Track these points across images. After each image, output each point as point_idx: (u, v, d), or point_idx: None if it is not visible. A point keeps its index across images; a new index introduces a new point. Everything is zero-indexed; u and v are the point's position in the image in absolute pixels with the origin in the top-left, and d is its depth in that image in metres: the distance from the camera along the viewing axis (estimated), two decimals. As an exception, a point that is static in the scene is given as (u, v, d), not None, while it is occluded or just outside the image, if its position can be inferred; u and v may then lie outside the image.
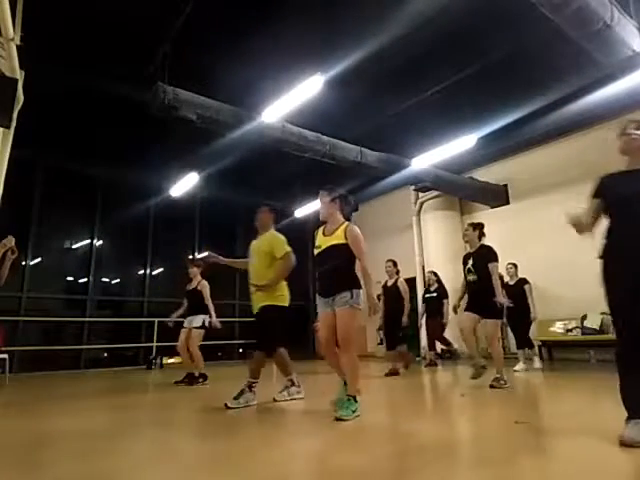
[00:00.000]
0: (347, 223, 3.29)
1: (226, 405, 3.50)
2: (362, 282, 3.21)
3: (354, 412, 2.94)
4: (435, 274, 7.79)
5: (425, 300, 7.74)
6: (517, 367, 6.18)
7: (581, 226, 2.43)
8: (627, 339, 2.17)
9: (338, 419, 2.86)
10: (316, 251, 3.31)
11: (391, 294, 6.27)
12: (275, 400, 3.78)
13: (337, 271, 3.16)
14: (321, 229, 3.40)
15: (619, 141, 2.45)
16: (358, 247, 3.19)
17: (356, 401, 3.02)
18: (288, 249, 3.76)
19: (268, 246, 3.79)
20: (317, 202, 3.48)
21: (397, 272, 6.42)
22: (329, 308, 3.18)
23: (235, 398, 3.56)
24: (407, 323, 6.10)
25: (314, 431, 2.77)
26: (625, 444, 2.03)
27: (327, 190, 3.39)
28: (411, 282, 10.17)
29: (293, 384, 3.93)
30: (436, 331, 7.45)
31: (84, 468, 2.01)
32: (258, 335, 3.79)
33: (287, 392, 3.88)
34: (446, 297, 7.41)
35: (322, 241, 3.29)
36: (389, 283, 6.40)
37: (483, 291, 4.43)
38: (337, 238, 3.20)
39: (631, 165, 2.43)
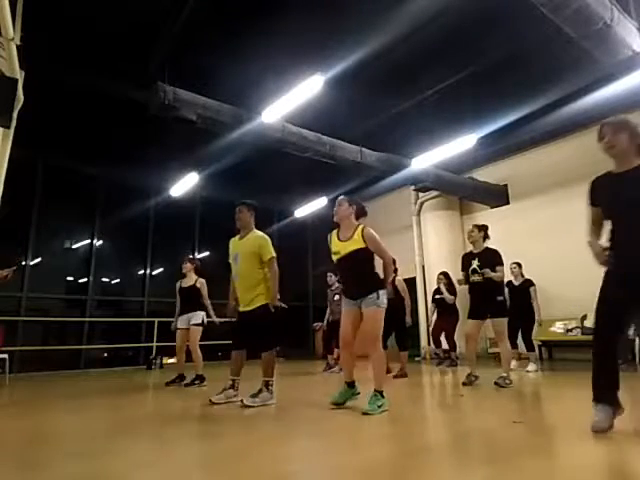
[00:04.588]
0: (362, 226, 3.38)
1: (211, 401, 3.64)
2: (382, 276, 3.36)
3: (380, 407, 3.05)
4: (446, 275, 7.74)
5: (434, 301, 7.78)
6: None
7: (598, 252, 2.39)
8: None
9: (365, 413, 2.97)
10: (335, 257, 3.41)
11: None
12: (244, 405, 3.48)
13: (362, 276, 3.30)
14: (335, 234, 3.48)
15: (600, 146, 2.46)
16: (378, 247, 3.33)
17: (383, 397, 3.13)
18: (274, 254, 3.74)
19: (256, 247, 3.73)
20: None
21: (395, 270, 6.32)
22: (355, 306, 3.32)
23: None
24: (410, 323, 6.00)
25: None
26: (597, 431, 2.22)
27: (346, 198, 3.55)
28: (411, 282, 10.25)
29: (268, 389, 3.62)
30: (447, 329, 7.46)
31: (83, 468, 2.00)
32: (257, 334, 3.70)
33: (259, 398, 3.56)
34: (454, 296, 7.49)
35: (340, 247, 3.38)
36: None
37: (489, 292, 4.49)
38: (355, 243, 3.30)
39: (618, 167, 2.45)
